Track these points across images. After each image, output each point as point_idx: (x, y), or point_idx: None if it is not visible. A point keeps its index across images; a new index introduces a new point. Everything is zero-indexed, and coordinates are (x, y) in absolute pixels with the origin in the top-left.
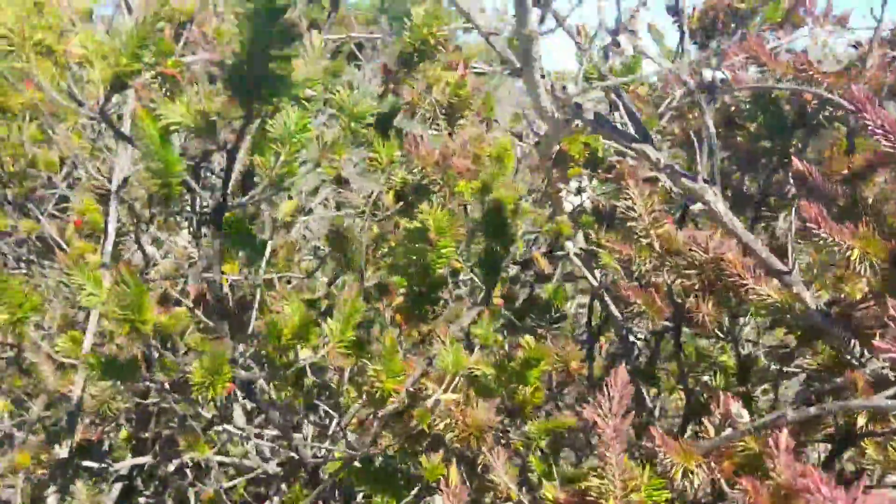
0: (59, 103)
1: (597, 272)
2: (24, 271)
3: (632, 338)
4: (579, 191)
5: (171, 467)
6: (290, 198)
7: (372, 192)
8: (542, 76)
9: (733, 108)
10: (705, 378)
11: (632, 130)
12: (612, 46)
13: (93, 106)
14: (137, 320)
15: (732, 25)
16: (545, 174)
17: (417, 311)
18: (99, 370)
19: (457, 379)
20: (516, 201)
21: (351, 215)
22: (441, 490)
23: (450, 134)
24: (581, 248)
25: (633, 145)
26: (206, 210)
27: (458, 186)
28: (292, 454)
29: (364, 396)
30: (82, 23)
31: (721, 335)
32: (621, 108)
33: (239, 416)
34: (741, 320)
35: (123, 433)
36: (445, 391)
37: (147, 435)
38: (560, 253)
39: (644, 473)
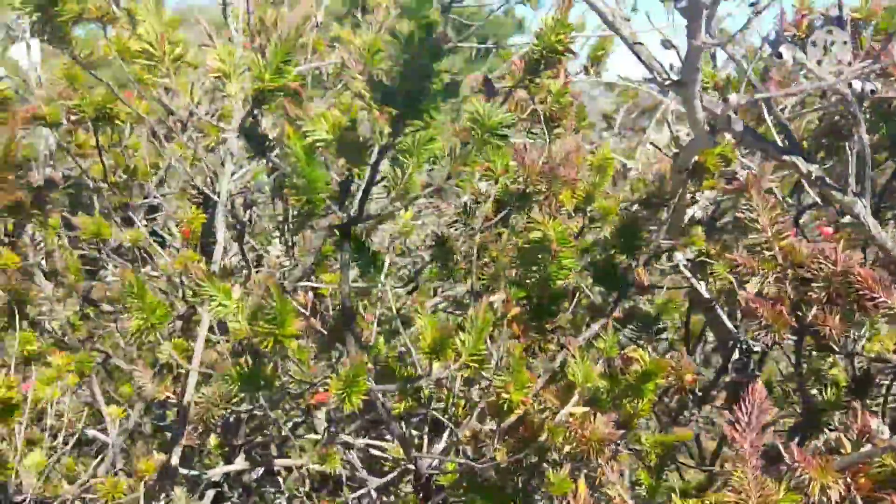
0: (202, 120)
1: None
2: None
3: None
4: (693, 202)
5: (255, 475)
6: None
7: (467, 203)
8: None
9: (838, 119)
10: (813, 392)
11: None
12: (774, 58)
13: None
14: (281, 334)
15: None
16: (677, 185)
17: (535, 323)
18: (237, 382)
19: (584, 392)
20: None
21: (448, 225)
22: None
23: (548, 143)
24: (688, 260)
25: (784, 157)
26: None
27: (562, 196)
28: (408, 465)
29: (484, 408)
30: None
31: (836, 349)
32: (768, 120)
33: (321, 423)
34: (854, 333)
35: (213, 440)
36: (575, 404)
37: (238, 442)
38: (670, 264)
39: (780, 488)
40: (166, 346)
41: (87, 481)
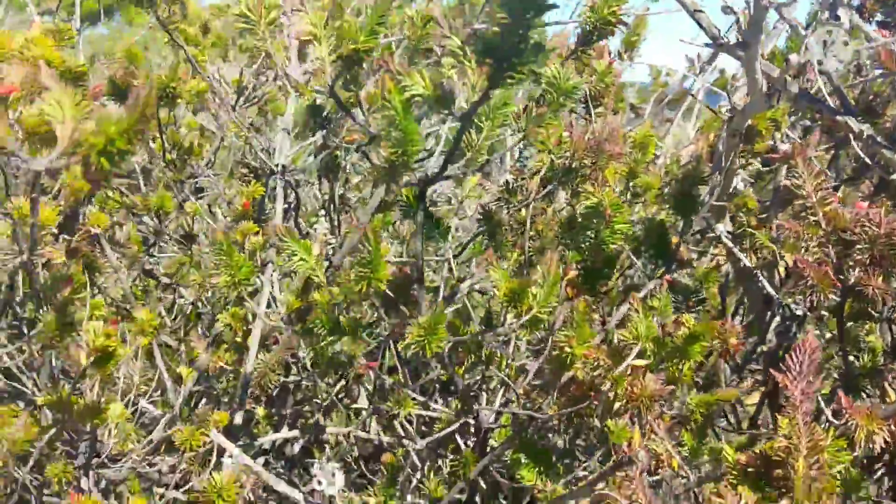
0: (288, 82)
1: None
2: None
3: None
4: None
5: (296, 447)
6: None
7: (508, 181)
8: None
9: (872, 98)
10: (851, 358)
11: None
12: (833, 20)
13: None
14: (374, 277)
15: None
16: (730, 148)
17: (589, 286)
18: (328, 326)
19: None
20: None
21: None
22: (627, 451)
23: (589, 120)
24: (729, 231)
25: (838, 116)
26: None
27: (607, 170)
28: (468, 419)
29: (540, 366)
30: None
31: (876, 314)
32: (819, 82)
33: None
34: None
35: (261, 410)
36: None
37: (286, 411)
38: (711, 235)
39: (829, 434)
40: (224, 316)
41: (153, 441)
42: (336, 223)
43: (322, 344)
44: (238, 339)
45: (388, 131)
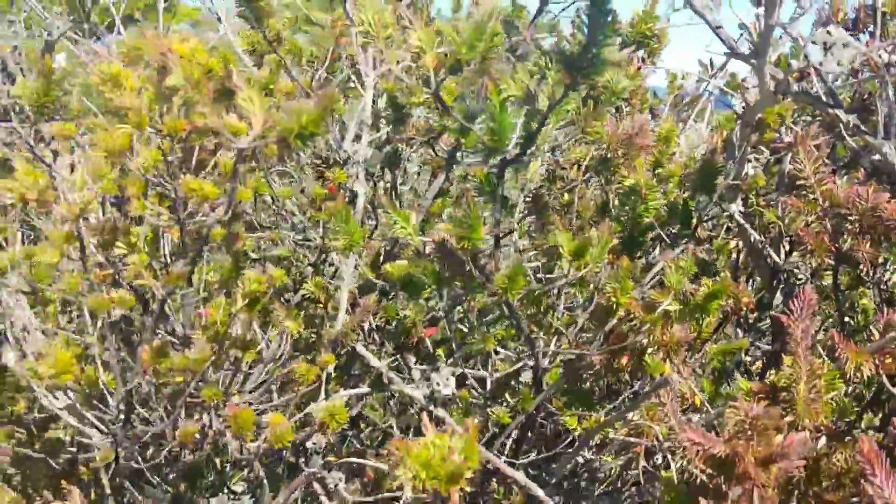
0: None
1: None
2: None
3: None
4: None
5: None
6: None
7: (548, 169)
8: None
9: (866, 97)
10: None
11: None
12: (826, 34)
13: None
14: (471, 236)
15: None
16: (743, 137)
17: (627, 252)
18: (433, 276)
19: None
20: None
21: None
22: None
23: (619, 118)
24: (741, 210)
25: (830, 109)
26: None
27: (637, 160)
28: (528, 361)
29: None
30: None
31: (866, 279)
32: (815, 83)
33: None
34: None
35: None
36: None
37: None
38: (725, 213)
39: (825, 365)
40: (308, 284)
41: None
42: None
43: (397, 306)
44: (322, 306)
45: (487, 124)
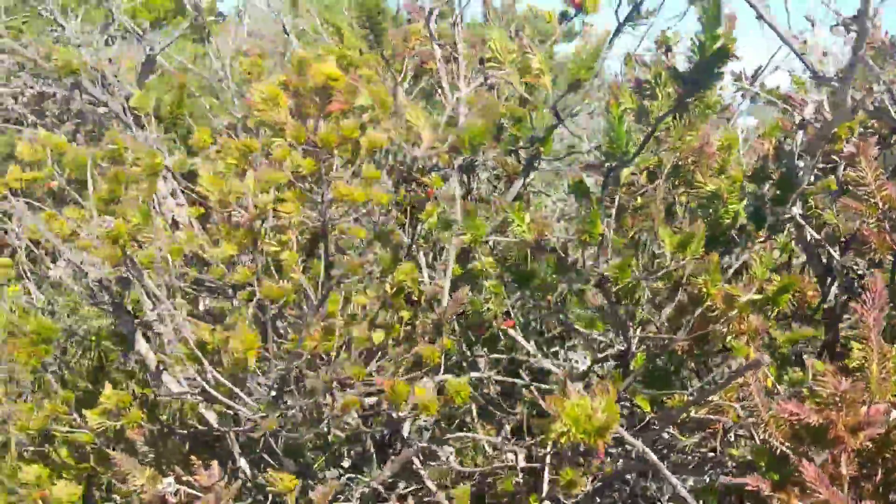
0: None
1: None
2: None
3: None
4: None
5: None
6: None
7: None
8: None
9: None
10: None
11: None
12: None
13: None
14: (591, 232)
15: None
16: (815, 147)
17: (710, 250)
18: (555, 269)
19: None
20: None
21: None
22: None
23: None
24: (801, 213)
25: None
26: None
27: (704, 166)
28: (619, 346)
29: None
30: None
31: None
32: (879, 97)
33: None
34: None
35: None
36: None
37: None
38: (787, 216)
39: (894, 348)
40: (399, 273)
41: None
42: None
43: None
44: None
45: (607, 135)
